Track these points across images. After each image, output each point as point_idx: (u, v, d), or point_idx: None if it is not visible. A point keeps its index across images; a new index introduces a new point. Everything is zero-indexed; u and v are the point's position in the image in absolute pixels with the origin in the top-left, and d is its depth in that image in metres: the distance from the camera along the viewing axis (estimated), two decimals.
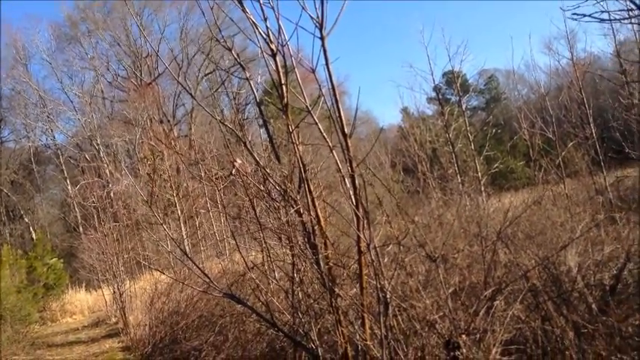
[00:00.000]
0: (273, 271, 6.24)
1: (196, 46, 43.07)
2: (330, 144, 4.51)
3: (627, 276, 5.66)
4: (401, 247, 4.96)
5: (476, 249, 6.15)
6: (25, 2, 55.96)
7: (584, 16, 3.97)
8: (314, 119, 4.52)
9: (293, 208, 4.99)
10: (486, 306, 4.61)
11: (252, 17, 4.69)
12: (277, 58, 4.75)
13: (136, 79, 44.59)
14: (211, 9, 5.31)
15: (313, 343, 5.03)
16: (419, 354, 4.48)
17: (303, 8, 4.29)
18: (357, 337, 4.55)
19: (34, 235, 35.29)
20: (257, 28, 4.72)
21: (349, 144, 4.33)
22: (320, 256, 4.76)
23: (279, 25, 4.57)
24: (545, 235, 6.69)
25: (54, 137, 44.22)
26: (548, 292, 5.33)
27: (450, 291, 4.74)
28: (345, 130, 4.35)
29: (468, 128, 18.65)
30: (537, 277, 5.46)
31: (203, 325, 10.09)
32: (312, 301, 5.26)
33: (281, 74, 4.82)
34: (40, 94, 42.39)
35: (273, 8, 4.56)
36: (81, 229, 29.08)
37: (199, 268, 6.19)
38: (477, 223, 6.93)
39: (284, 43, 4.61)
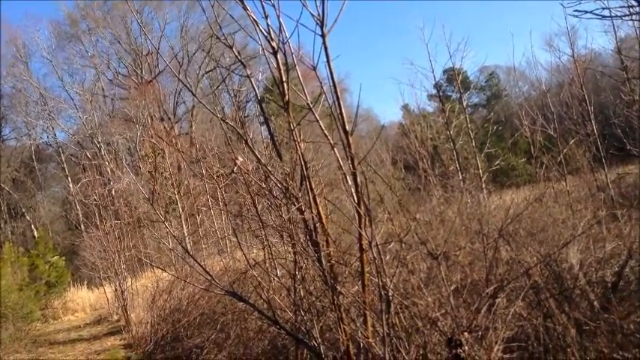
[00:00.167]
0: (275, 268, 6.24)
1: (197, 43, 43.11)
2: (332, 141, 4.51)
3: (629, 273, 5.66)
4: (402, 245, 4.96)
5: (477, 246, 6.15)
6: (26, 1, 56.00)
7: (585, 12, 3.96)
8: (315, 117, 4.52)
9: (295, 205, 4.99)
10: (488, 303, 4.61)
11: (252, 15, 4.69)
12: (278, 56, 4.74)
13: (137, 76, 44.62)
14: (212, 6, 5.31)
15: (315, 341, 5.03)
16: (421, 352, 4.48)
17: (303, 5, 4.29)
18: (359, 334, 4.55)
19: (35, 233, 35.34)
20: (258, 26, 4.71)
21: (351, 141, 4.33)
22: (322, 253, 4.75)
23: (280, 23, 4.56)
24: (546, 233, 6.69)
25: (55, 135, 44.37)
26: (550, 290, 5.33)
27: (452, 288, 4.74)
28: (347, 127, 4.34)
29: (469, 125, 18.62)
30: (539, 274, 5.46)
31: (205, 322, 10.11)
32: (314, 299, 5.26)
33: (282, 72, 4.81)
34: (40, 92, 42.48)
35: (273, 6, 4.56)
36: (82, 226, 29.17)
37: (201, 266, 6.18)
38: (479, 221, 6.93)
39: (285, 40, 4.60)
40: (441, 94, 22.48)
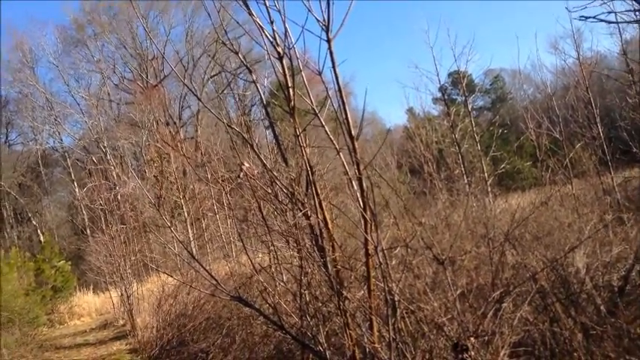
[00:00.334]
0: (281, 273, 6.24)
1: (202, 48, 43.18)
2: (337, 146, 4.51)
3: (636, 277, 5.64)
4: (408, 250, 4.96)
5: (483, 250, 6.14)
6: (32, 6, 56.31)
7: (591, 17, 3.96)
8: (321, 122, 4.52)
9: (300, 210, 4.99)
10: (494, 308, 4.60)
11: (258, 20, 4.70)
12: (284, 61, 4.75)
13: (142, 81, 44.76)
14: (217, 11, 5.33)
15: (321, 346, 5.03)
16: (427, 357, 4.47)
17: (309, 10, 4.29)
18: (365, 339, 4.55)
19: (41, 238, 35.39)
20: (264, 31, 4.72)
21: (356, 146, 4.33)
22: (327, 258, 4.75)
23: (285, 28, 4.57)
24: (552, 237, 6.67)
25: (61, 140, 44.52)
26: (556, 294, 5.32)
27: (458, 293, 4.73)
28: (352, 132, 4.34)
29: (474, 128, 18.60)
30: (545, 278, 5.45)
31: (210, 327, 10.12)
32: (319, 304, 5.26)
33: (288, 77, 4.82)
34: (47, 97, 42.67)
35: (279, 11, 4.57)
36: (88, 231, 29.19)
37: (206, 271, 6.19)
38: (484, 225, 6.92)
39: (290, 46, 4.61)
40: (446, 97, 22.45)
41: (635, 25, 12.56)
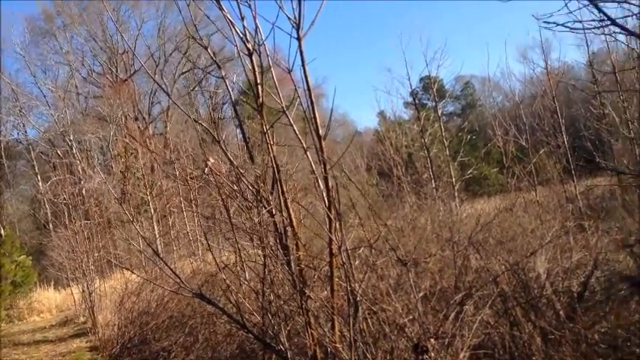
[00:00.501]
0: (245, 271, 6.19)
1: (173, 43, 42.73)
2: (305, 145, 4.49)
3: (595, 283, 5.76)
4: (373, 251, 4.97)
5: (447, 254, 6.19)
6: None
7: (557, 25, 4.01)
8: (289, 120, 4.50)
9: (265, 208, 4.96)
10: (456, 310, 4.64)
11: (229, 15, 4.66)
12: (253, 58, 4.71)
13: (112, 75, 44.07)
14: (188, 6, 5.27)
15: (282, 345, 5.00)
16: (388, 357, 4.48)
17: (280, 8, 4.28)
18: (327, 339, 4.54)
19: (2, 232, 34.59)
20: (234, 27, 4.68)
21: (323, 146, 4.32)
22: (291, 257, 4.74)
23: (256, 25, 4.54)
24: (515, 242, 6.76)
25: (25, 132, 43.43)
26: (517, 298, 5.39)
27: (421, 295, 4.76)
28: (320, 131, 4.33)
29: (444, 134, 18.83)
30: (507, 282, 5.52)
31: (173, 325, 9.99)
32: (282, 303, 5.23)
33: (257, 74, 4.79)
34: (12, 87, 41.61)
35: (250, 7, 4.54)
36: (51, 226, 28.66)
37: (170, 268, 6.11)
38: (450, 229, 6.99)
39: (260, 42, 4.59)
40: (416, 101, 22.71)
41: (602, 37, 12.86)
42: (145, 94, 43.73)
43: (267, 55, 4.64)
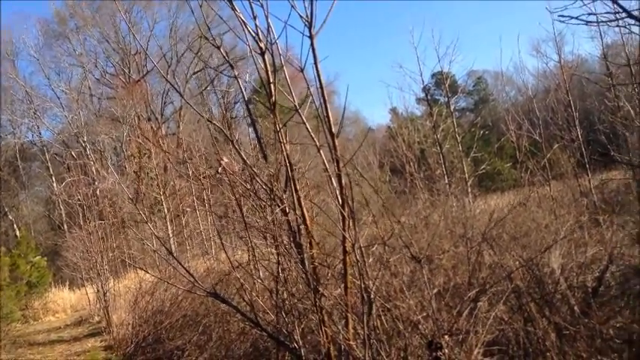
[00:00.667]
0: (258, 270, 6.21)
1: (185, 44, 42.85)
2: (318, 143, 4.50)
3: (609, 278, 5.71)
4: (386, 248, 4.97)
5: (461, 250, 6.17)
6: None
7: (571, 18, 3.99)
8: (302, 118, 4.51)
9: (279, 207, 4.98)
10: (470, 307, 4.63)
11: (241, 15, 4.68)
12: (266, 57, 4.73)
13: (125, 76, 44.31)
14: (200, 7, 5.29)
15: (296, 343, 5.02)
16: (402, 354, 4.48)
17: (292, 7, 4.29)
18: (341, 337, 4.54)
19: (17, 233, 34.90)
20: (246, 27, 4.70)
21: (336, 143, 4.33)
22: (305, 255, 4.75)
23: (268, 24, 4.56)
24: (529, 237, 6.73)
25: (40, 134, 43.80)
26: (531, 294, 5.36)
27: (434, 292, 4.75)
28: (333, 129, 4.34)
29: (456, 129, 18.75)
30: (521, 278, 5.49)
31: (187, 324, 10.04)
32: (296, 301, 5.25)
33: (269, 73, 4.80)
34: (26, 90, 41.95)
35: (262, 6, 4.55)
36: (65, 226, 28.88)
37: (184, 267, 6.15)
38: (463, 225, 6.97)
39: (273, 41, 4.60)
40: (429, 97, 22.56)
41: (616, 29, 12.73)
42: (157, 94, 43.92)
43: (280, 54, 4.66)
